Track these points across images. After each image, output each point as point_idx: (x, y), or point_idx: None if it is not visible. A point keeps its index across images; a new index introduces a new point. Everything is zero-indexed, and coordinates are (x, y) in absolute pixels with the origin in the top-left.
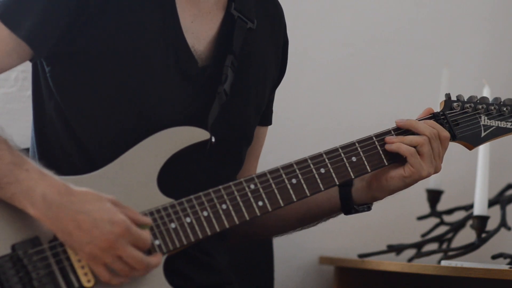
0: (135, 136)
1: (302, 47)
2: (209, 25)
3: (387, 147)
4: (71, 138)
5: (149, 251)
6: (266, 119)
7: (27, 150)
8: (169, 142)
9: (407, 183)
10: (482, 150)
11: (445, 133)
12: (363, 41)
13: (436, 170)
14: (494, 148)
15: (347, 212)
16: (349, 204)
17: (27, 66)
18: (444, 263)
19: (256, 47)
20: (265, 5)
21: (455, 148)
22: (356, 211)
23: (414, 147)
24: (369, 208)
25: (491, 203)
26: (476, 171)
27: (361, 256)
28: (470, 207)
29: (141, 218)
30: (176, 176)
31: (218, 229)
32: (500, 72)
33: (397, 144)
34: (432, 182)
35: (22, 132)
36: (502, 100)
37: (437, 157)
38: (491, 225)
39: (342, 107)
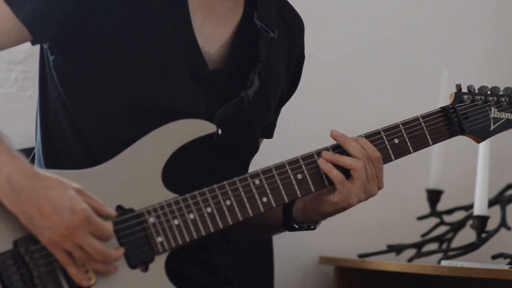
0: (138, 132)
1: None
2: (221, 29)
3: (320, 164)
4: (73, 131)
5: (152, 249)
6: (268, 132)
7: (26, 150)
8: (175, 135)
9: (337, 209)
10: (482, 150)
11: (376, 154)
12: (363, 41)
13: (369, 196)
14: (494, 148)
15: (289, 229)
16: (290, 222)
17: (27, 66)
18: (444, 263)
19: (274, 57)
20: (286, 16)
21: (455, 148)
22: (300, 229)
23: (349, 170)
24: (309, 228)
25: (491, 203)
26: (476, 171)
27: (361, 256)
28: (470, 207)
29: (105, 210)
30: (181, 172)
31: (221, 226)
32: (500, 72)
33: (328, 166)
34: (432, 182)
35: (22, 132)
36: None
37: (371, 180)
38: (491, 225)
39: (342, 107)
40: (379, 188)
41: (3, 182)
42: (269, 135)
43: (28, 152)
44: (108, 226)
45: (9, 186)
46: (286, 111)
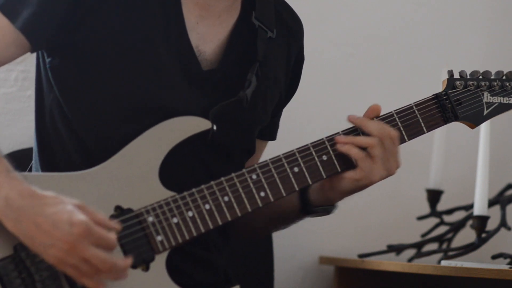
0: (133, 132)
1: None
2: (217, 28)
3: (338, 147)
4: (68, 132)
5: (152, 248)
6: (271, 135)
7: (26, 150)
8: (170, 133)
9: (358, 186)
10: (482, 150)
11: (394, 133)
12: (363, 41)
13: (390, 173)
14: (494, 148)
15: (307, 214)
16: (308, 205)
17: (27, 66)
18: (444, 263)
19: (272, 57)
20: (285, 18)
21: (455, 148)
22: (315, 213)
23: (365, 148)
24: (326, 211)
25: (491, 203)
26: (476, 171)
27: (361, 256)
28: (470, 207)
29: (108, 224)
30: (178, 171)
31: (220, 222)
32: None
33: (347, 146)
34: (432, 182)
35: (22, 132)
36: (505, 73)
37: (391, 157)
38: (491, 225)
39: (342, 107)
40: (397, 167)
41: (1, 202)
42: (272, 137)
43: (28, 152)
44: (111, 235)
45: (8, 207)
46: (286, 111)
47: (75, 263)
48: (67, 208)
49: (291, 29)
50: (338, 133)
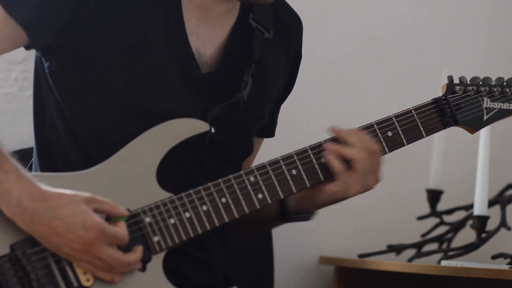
0: (131, 134)
1: (302, 46)
2: (217, 30)
3: (324, 155)
4: (68, 135)
5: (148, 248)
6: (269, 132)
7: (26, 150)
8: (168, 134)
9: (334, 200)
10: (482, 150)
11: (375, 147)
12: (363, 41)
13: (366, 188)
14: (494, 148)
15: (286, 220)
16: (286, 212)
17: (27, 66)
18: (444, 263)
19: (270, 58)
20: (283, 16)
21: (455, 148)
22: (293, 220)
23: (348, 160)
24: (305, 218)
25: (491, 203)
26: (476, 171)
27: (361, 256)
28: (470, 207)
29: (117, 211)
30: (176, 172)
31: (217, 224)
32: (500, 72)
33: (330, 157)
34: (432, 182)
35: (22, 132)
36: (505, 79)
37: (370, 173)
38: (491, 225)
39: (342, 107)
40: (376, 182)
41: (14, 205)
42: (271, 134)
43: (28, 152)
44: (123, 231)
45: (20, 210)
46: (286, 111)
47: (89, 260)
48: (80, 209)
49: (290, 27)
50: (321, 142)
